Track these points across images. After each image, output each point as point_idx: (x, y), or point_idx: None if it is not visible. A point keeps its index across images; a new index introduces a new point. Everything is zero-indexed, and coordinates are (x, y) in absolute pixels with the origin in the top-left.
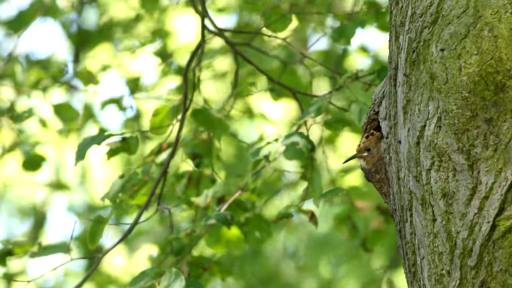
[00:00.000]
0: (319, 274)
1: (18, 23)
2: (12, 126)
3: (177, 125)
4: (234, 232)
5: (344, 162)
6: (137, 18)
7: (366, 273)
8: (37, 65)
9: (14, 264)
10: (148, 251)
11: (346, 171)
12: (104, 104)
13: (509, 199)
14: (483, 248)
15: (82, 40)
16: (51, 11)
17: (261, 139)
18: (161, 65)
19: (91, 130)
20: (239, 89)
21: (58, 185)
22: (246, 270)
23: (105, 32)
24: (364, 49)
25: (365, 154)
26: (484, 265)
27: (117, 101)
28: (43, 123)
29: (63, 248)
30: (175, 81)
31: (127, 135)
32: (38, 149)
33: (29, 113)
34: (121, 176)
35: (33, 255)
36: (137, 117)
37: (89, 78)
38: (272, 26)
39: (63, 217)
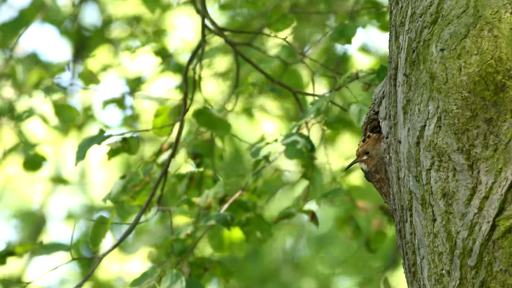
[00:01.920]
0: (318, 273)
1: (18, 23)
2: (12, 126)
3: (177, 125)
4: (236, 233)
5: (345, 170)
6: (137, 18)
7: (365, 272)
8: (37, 64)
9: (14, 266)
10: (145, 255)
11: (347, 171)
12: (106, 104)
13: (509, 199)
14: (483, 248)
15: (82, 40)
16: (51, 11)
17: (262, 139)
18: (161, 64)
19: (91, 129)
20: (240, 89)
21: (58, 180)
22: (245, 269)
23: (105, 32)
24: (364, 49)
25: (365, 157)
26: (484, 265)
27: (118, 101)
28: (43, 119)
29: (63, 247)
30: (175, 79)
31: (128, 135)
32: (38, 149)
33: (30, 112)
34: (123, 177)
35: (34, 253)
36: (136, 116)
37: (90, 78)
38: (273, 26)
39: (61, 220)
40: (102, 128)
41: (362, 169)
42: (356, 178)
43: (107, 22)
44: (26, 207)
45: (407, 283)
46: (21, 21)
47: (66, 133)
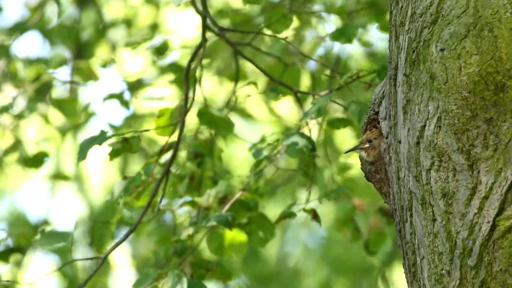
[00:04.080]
0: (317, 272)
1: (19, 26)
2: (12, 124)
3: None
4: (236, 235)
5: (345, 153)
6: (135, 17)
7: (363, 269)
8: (37, 62)
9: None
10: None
11: (344, 168)
12: (105, 100)
13: (509, 199)
14: (483, 248)
15: (81, 43)
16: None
17: (263, 139)
18: (160, 62)
19: (91, 127)
20: (239, 87)
21: (59, 176)
22: (245, 270)
23: (104, 32)
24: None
25: (367, 145)
26: (484, 265)
27: (118, 97)
28: (45, 118)
29: (65, 235)
30: (174, 78)
31: (128, 135)
32: (39, 146)
33: (31, 109)
34: (124, 178)
35: (36, 243)
36: (135, 116)
37: (89, 75)
38: (273, 26)
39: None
40: (103, 130)
41: (361, 167)
42: (357, 178)
43: (106, 23)
44: (24, 210)
45: (407, 283)
46: (21, 23)
47: (67, 130)
